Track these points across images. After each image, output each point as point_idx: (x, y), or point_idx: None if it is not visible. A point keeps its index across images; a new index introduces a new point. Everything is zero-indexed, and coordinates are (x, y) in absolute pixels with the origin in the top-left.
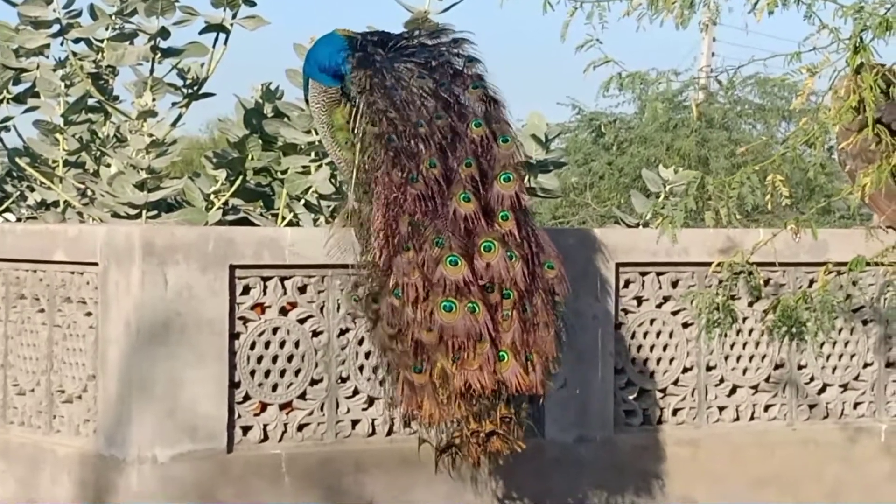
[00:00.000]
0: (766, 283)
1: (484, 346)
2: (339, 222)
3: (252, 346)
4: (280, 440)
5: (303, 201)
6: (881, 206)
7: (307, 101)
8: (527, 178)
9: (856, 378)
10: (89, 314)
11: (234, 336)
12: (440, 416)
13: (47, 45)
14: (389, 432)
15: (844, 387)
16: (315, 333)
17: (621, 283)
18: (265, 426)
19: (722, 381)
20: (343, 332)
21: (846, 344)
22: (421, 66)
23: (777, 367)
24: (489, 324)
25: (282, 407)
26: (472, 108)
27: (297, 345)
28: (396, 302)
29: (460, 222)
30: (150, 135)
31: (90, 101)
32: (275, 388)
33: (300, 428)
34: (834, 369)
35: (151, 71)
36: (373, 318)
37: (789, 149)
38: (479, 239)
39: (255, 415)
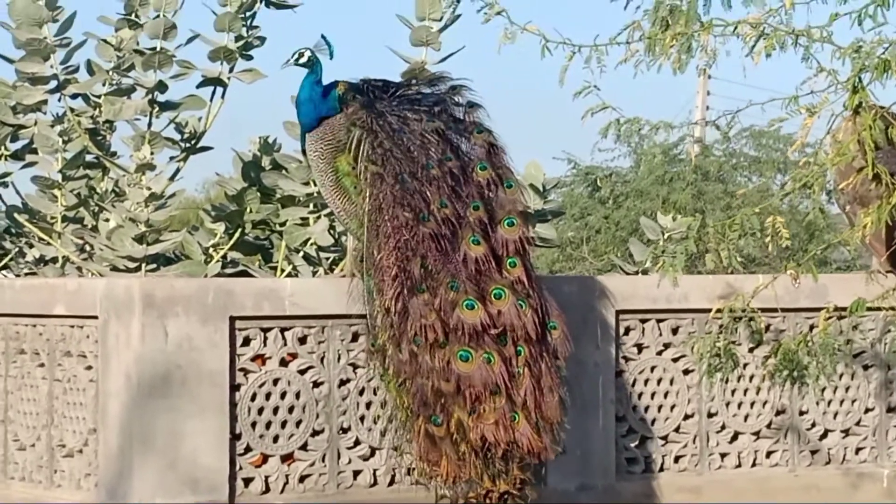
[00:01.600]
0: (767, 328)
1: (500, 399)
2: (347, 269)
3: (253, 398)
4: (282, 492)
5: (301, 253)
6: (879, 248)
7: (304, 152)
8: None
9: (857, 423)
10: (89, 368)
11: (234, 388)
12: (457, 473)
13: (45, 101)
14: (391, 482)
15: (846, 432)
16: (316, 384)
17: (622, 331)
18: (266, 478)
19: (723, 427)
20: (344, 383)
21: (847, 389)
22: (425, 111)
23: (778, 413)
24: (504, 375)
25: (283, 458)
26: (475, 153)
27: (297, 396)
28: (415, 348)
29: (471, 266)
30: (149, 188)
31: (88, 157)
32: (276, 439)
33: (302, 479)
34: (835, 415)
35: (149, 125)
36: (386, 367)
37: (789, 191)
38: (488, 285)
39: (257, 466)
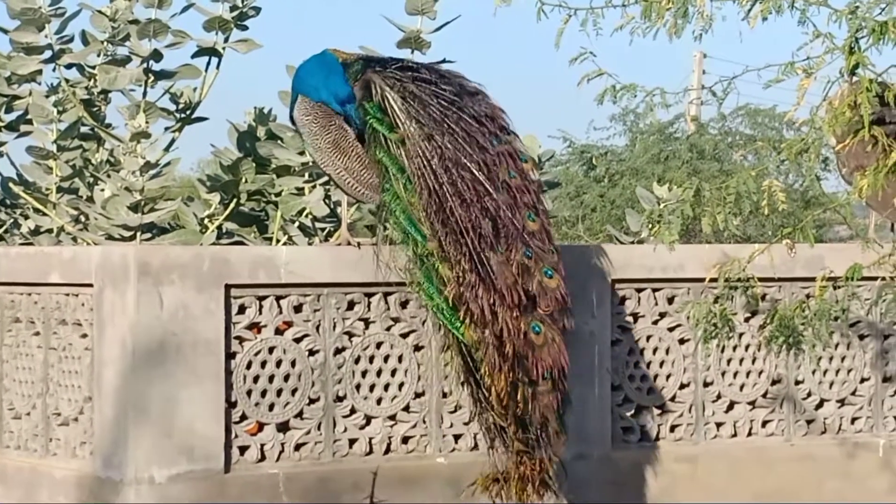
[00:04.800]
0: (763, 298)
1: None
2: (342, 238)
3: (248, 366)
4: (277, 460)
5: (297, 223)
6: (877, 207)
7: (292, 119)
8: None
9: (853, 393)
10: (85, 336)
11: (230, 356)
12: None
13: (39, 72)
14: (387, 451)
15: (842, 402)
16: (311, 352)
17: (617, 300)
18: (262, 446)
19: (719, 396)
20: (339, 351)
21: (843, 359)
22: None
23: (774, 382)
24: (566, 358)
25: (279, 426)
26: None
27: (293, 364)
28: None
29: (529, 238)
30: (144, 157)
31: (83, 128)
32: (271, 407)
33: (297, 447)
34: (831, 384)
35: (144, 94)
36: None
37: (785, 157)
38: (540, 263)
39: (252, 434)
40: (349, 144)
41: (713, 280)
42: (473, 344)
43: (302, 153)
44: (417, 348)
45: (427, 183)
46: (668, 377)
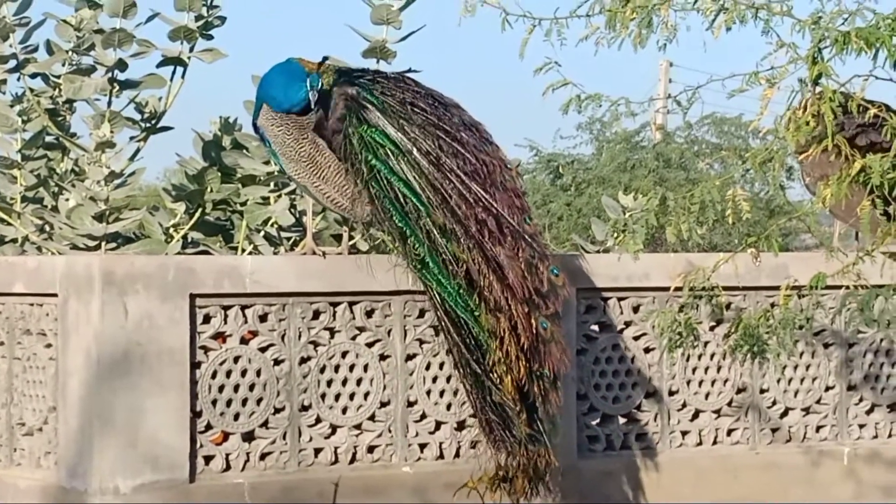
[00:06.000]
0: (728, 306)
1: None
2: (308, 247)
3: (213, 376)
4: (243, 469)
5: (262, 233)
6: (841, 216)
7: (255, 127)
8: None
9: (818, 401)
10: (49, 346)
11: (195, 365)
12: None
13: (4, 81)
14: (353, 460)
15: (807, 410)
16: (277, 362)
17: (583, 309)
18: (227, 455)
19: (684, 405)
20: (304, 360)
21: (808, 367)
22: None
23: (739, 391)
24: (569, 357)
25: (244, 436)
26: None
27: (258, 373)
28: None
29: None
30: (108, 166)
31: (48, 138)
32: (237, 417)
33: (263, 457)
34: (796, 393)
35: (109, 104)
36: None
37: (749, 167)
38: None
39: (218, 444)
40: (325, 159)
41: (678, 289)
42: (490, 330)
43: (267, 163)
44: (383, 357)
45: (428, 181)
46: (633, 386)
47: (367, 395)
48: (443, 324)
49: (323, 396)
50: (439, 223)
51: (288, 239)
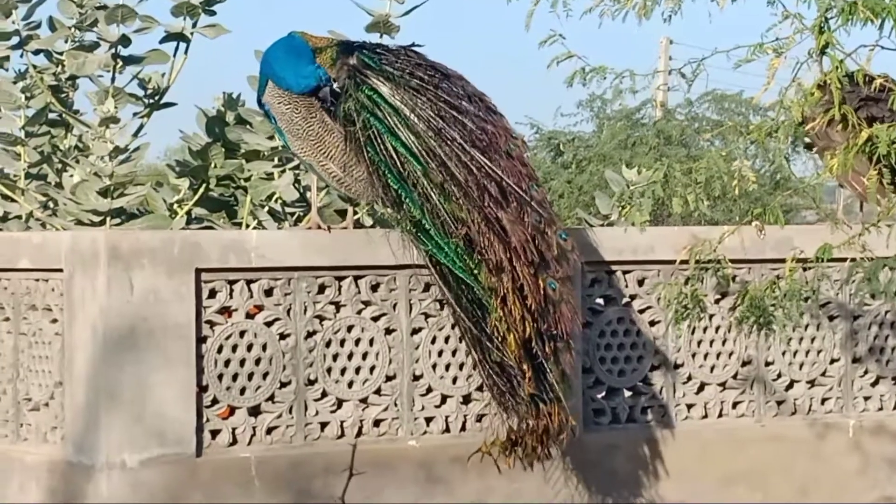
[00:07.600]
0: (733, 279)
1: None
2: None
3: (219, 350)
4: (249, 444)
5: (266, 208)
6: (852, 183)
7: (260, 103)
8: None
9: (823, 374)
10: (55, 321)
11: (201, 340)
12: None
13: (7, 58)
14: (359, 434)
15: (812, 383)
16: (282, 336)
17: (587, 283)
18: (234, 430)
19: (690, 378)
20: (310, 335)
21: (813, 340)
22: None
23: (744, 363)
24: (580, 318)
25: (250, 410)
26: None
27: (264, 348)
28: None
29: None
30: (112, 142)
31: (51, 114)
32: (243, 391)
33: (269, 431)
34: (801, 365)
35: (112, 80)
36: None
37: (755, 139)
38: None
39: (224, 418)
40: (333, 138)
41: (684, 262)
42: (490, 288)
43: (271, 138)
44: (388, 331)
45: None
46: (638, 359)
47: (372, 369)
48: (438, 284)
49: (329, 370)
50: (437, 181)
51: (292, 214)
